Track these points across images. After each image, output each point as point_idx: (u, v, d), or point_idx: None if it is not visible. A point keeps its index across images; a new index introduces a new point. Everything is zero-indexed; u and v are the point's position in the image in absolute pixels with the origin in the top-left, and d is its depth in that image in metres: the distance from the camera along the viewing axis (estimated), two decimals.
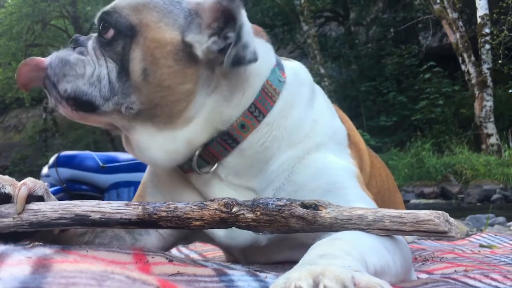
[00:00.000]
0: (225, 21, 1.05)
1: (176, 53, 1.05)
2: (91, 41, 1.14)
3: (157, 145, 1.09)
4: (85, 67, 1.09)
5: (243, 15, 1.02)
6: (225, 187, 1.14)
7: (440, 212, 0.85)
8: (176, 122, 1.08)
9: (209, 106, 1.09)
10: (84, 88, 1.08)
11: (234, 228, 1.12)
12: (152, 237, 1.21)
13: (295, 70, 1.23)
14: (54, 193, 4.48)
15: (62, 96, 1.09)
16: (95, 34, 1.15)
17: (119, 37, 1.07)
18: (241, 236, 1.14)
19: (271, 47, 1.22)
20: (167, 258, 0.91)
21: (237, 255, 1.31)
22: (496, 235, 2.31)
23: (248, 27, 1.02)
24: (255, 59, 1.01)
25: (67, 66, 1.09)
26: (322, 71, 14.31)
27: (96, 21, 1.13)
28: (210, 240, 1.24)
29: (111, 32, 1.08)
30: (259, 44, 1.12)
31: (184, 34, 1.05)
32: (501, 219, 4.41)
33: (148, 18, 1.06)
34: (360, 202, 1.03)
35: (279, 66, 1.19)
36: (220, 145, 1.11)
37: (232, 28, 1.03)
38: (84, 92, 1.08)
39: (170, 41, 1.05)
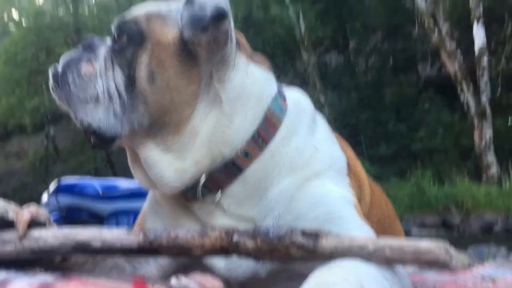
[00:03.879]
0: None
1: (179, 54, 1.08)
2: (103, 48, 1.16)
3: (167, 163, 1.10)
4: (95, 87, 1.11)
5: None
6: (227, 217, 1.14)
7: (441, 242, 0.85)
8: (183, 132, 1.09)
9: (211, 120, 1.11)
10: (104, 118, 1.09)
11: (234, 259, 1.12)
12: (151, 267, 1.21)
13: (296, 99, 1.25)
14: (53, 221, 4.45)
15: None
16: (110, 41, 1.18)
17: (130, 43, 1.11)
18: (240, 268, 1.14)
19: (273, 76, 1.25)
20: (166, 286, 0.90)
21: (235, 287, 1.30)
22: (498, 267, 2.29)
23: None
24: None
25: (79, 83, 1.11)
26: (322, 99, 14.43)
27: (113, 27, 1.16)
28: (210, 271, 1.23)
29: (124, 39, 1.11)
30: (260, 72, 1.17)
31: (182, 31, 1.09)
32: (503, 251, 4.37)
33: (155, 24, 1.11)
34: (359, 231, 1.03)
35: (280, 94, 1.21)
36: (225, 173, 1.11)
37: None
38: (105, 127, 1.09)
39: (172, 42, 1.09)
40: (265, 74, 1.21)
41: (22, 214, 0.88)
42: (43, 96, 19.53)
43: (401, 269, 0.92)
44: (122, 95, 1.09)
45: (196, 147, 1.10)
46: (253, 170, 1.12)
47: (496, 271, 2.18)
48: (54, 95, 1.16)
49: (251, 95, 1.13)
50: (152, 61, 1.08)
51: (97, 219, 4.76)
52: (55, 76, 1.15)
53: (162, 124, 1.10)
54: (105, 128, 1.09)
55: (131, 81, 1.09)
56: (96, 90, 1.11)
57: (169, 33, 1.10)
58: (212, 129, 1.10)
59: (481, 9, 11.24)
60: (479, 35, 11.29)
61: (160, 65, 1.08)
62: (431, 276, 2.01)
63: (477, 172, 11.61)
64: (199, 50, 1.09)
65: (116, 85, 1.10)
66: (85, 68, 1.13)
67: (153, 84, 1.07)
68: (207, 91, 1.11)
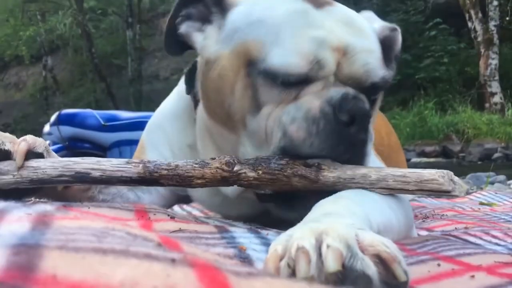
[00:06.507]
0: None
1: None
2: None
3: None
4: None
5: None
6: None
7: (444, 171, 0.84)
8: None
9: None
10: None
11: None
12: (153, 196, 1.22)
13: None
14: (57, 151, 4.49)
15: None
16: None
17: None
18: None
19: None
20: (168, 215, 0.91)
21: None
22: (496, 193, 2.32)
23: None
24: None
25: None
26: None
27: None
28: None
29: None
30: None
31: None
32: (501, 177, 4.44)
33: None
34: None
35: None
36: None
37: None
38: None
39: None
40: None
41: (19, 144, 0.87)
42: (38, 26, 19.02)
43: (404, 196, 0.92)
44: None
45: None
46: None
47: (494, 197, 2.21)
48: None
49: None
50: None
51: (100, 149, 4.81)
52: None
53: None
54: None
55: None
56: None
57: None
58: None
59: None
60: None
61: None
62: (429, 201, 2.04)
63: (480, 101, 11.55)
64: None
65: None
66: None
67: None
68: None
